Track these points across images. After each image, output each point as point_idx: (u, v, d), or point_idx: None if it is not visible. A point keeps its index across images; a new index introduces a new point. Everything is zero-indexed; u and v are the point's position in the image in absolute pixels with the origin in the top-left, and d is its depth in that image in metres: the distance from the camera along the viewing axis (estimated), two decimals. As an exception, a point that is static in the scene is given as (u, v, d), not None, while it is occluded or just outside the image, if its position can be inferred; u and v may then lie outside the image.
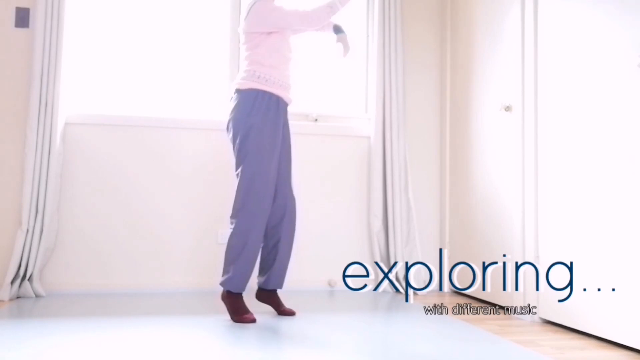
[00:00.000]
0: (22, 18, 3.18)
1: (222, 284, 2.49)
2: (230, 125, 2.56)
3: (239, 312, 2.46)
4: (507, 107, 2.88)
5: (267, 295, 2.65)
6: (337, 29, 2.82)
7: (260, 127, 2.50)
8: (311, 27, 2.63)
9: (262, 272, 2.65)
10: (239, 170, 2.51)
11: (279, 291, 2.68)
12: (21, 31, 3.19)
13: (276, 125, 2.56)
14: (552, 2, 2.58)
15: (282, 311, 2.63)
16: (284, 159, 2.66)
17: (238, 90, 2.58)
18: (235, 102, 2.57)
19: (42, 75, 3.06)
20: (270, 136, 2.52)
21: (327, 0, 2.59)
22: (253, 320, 2.44)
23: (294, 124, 3.47)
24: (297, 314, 2.64)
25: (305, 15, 2.57)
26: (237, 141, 2.51)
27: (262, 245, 2.58)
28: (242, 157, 2.50)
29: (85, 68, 3.35)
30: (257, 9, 2.55)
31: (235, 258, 2.45)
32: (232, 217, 2.51)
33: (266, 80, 2.55)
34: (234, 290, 2.47)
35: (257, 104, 2.52)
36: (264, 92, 2.55)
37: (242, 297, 2.50)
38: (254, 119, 2.50)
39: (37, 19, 3.07)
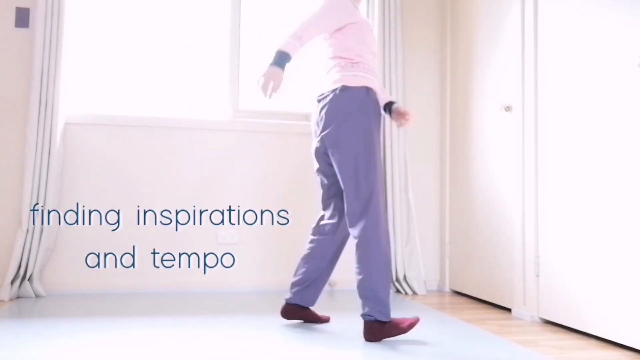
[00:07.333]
0: (22, 18, 3.18)
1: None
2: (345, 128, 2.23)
3: (395, 327, 2.19)
4: (507, 107, 2.88)
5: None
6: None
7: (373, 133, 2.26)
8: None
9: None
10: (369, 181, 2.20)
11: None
12: (21, 31, 3.19)
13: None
14: (552, 2, 2.58)
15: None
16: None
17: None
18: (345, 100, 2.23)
19: (42, 75, 3.07)
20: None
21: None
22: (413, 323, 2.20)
23: (294, 124, 3.50)
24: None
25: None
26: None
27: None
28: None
29: (85, 68, 3.35)
30: None
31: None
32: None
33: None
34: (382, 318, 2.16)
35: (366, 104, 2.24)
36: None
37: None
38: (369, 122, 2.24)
39: (37, 19, 3.07)
